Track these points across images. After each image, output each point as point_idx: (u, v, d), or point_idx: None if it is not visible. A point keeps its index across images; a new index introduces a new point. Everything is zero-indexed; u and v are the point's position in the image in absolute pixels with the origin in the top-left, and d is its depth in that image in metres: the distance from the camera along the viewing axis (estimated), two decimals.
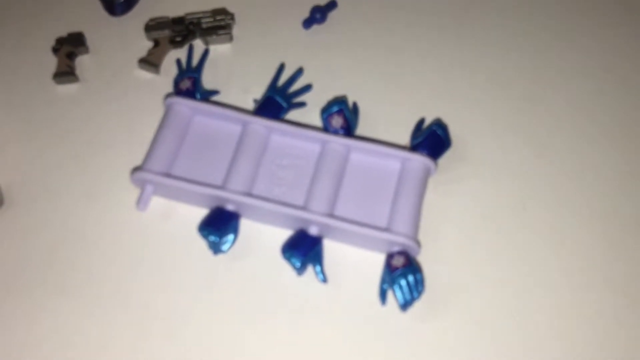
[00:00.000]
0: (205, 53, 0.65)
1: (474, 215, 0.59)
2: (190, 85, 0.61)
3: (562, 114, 0.64)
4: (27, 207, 0.58)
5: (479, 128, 0.63)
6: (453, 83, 0.65)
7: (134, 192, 0.58)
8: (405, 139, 0.62)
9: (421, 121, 0.62)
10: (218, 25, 0.66)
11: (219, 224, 0.55)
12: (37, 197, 0.59)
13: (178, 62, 0.64)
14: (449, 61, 0.67)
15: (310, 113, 0.62)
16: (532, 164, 0.61)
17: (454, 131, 0.61)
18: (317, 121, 0.62)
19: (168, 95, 0.62)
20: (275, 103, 0.61)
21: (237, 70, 0.65)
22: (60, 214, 0.58)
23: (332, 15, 0.68)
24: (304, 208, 0.56)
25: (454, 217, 0.59)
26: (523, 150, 0.62)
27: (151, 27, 0.66)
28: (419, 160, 0.57)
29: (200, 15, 0.66)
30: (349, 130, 0.60)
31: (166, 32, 0.65)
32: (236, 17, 0.67)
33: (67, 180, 0.59)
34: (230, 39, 0.66)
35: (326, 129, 0.59)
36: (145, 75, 0.65)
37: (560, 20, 0.69)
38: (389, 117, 0.63)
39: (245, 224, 0.57)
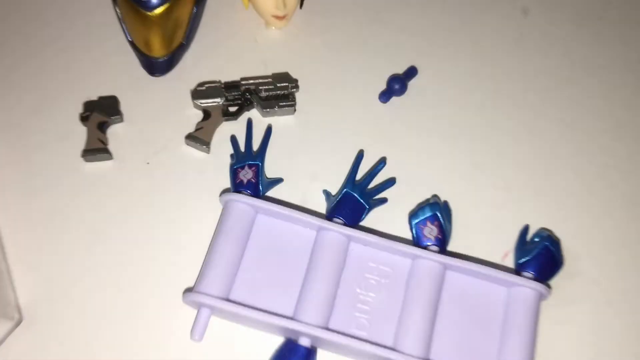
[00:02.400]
0: (269, 132, 0.54)
1: (590, 346, 0.49)
2: (252, 176, 0.50)
3: None
4: (50, 324, 0.47)
5: (591, 240, 0.53)
6: (560, 180, 0.55)
7: (184, 310, 0.47)
8: (498, 250, 0.52)
9: (525, 230, 0.52)
10: (280, 94, 0.55)
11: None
12: (62, 313, 0.47)
13: (234, 142, 0.53)
14: (562, 153, 0.56)
15: (389, 210, 0.52)
16: None
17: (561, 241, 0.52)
18: (393, 219, 0.51)
19: (225, 191, 0.51)
20: (355, 202, 0.50)
21: (301, 149, 0.54)
22: (90, 333, 0.47)
23: (413, 83, 0.58)
24: (394, 348, 0.46)
25: (570, 352, 0.49)
26: None
27: (200, 93, 0.54)
28: (532, 286, 0.47)
29: (259, 81, 0.55)
30: (444, 241, 0.49)
31: (218, 101, 0.54)
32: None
33: (99, 292, 0.48)
34: (294, 110, 0.55)
35: (417, 239, 0.49)
36: (193, 152, 0.53)
37: None
38: (481, 221, 0.53)
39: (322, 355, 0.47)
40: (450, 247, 0.51)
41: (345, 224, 0.49)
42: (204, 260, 0.47)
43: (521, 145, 0.56)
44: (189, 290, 0.47)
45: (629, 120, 0.58)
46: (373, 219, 0.51)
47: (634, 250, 0.53)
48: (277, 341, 0.46)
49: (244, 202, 0.48)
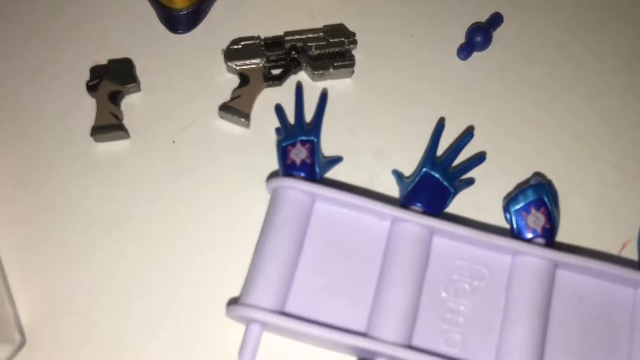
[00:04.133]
0: (324, 99, 0.43)
1: None
2: (307, 155, 0.40)
3: None
4: (58, 346, 0.37)
5: None
6: None
7: (228, 327, 0.37)
8: (614, 237, 0.41)
9: None
10: (334, 51, 0.44)
11: None
12: (71, 332, 0.37)
13: (280, 112, 0.42)
14: None
15: (476, 192, 0.42)
16: None
17: None
18: (483, 205, 0.41)
19: (273, 175, 0.41)
20: (436, 184, 0.39)
21: (362, 120, 0.43)
22: (105, 356, 0.37)
23: (498, 34, 0.47)
24: None
25: None
26: None
27: (235, 53, 0.44)
28: None
29: (308, 36, 0.45)
30: (552, 232, 0.39)
31: (258, 62, 0.44)
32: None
33: (114, 306, 0.38)
34: (352, 72, 0.45)
35: (519, 229, 0.39)
36: (229, 127, 0.43)
37: None
38: (591, 205, 0.42)
39: None
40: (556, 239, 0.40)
41: (425, 213, 0.39)
42: (251, 264, 0.37)
43: (635, 109, 0.45)
44: (234, 301, 0.37)
45: None
46: (458, 205, 0.41)
47: None
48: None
49: (298, 188, 0.38)
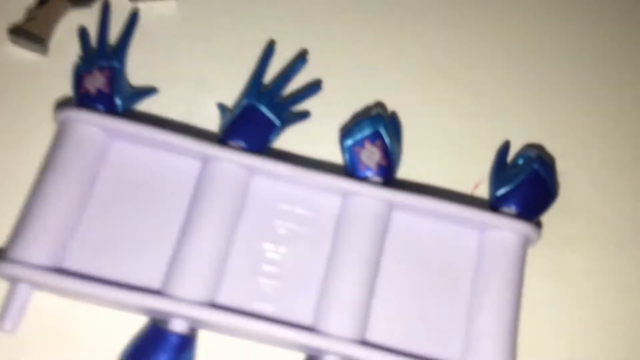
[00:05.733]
0: (133, 20, 0.37)
1: (591, 307, 0.35)
2: (104, 82, 0.33)
3: None
4: None
5: (588, 158, 0.39)
6: (553, 78, 0.40)
7: None
8: (468, 177, 0.37)
9: (505, 148, 0.37)
10: None
11: (156, 359, 0.30)
12: None
13: (84, 37, 0.36)
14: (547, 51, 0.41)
15: (315, 128, 0.37)
16: None
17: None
18: (329, 147, 0.36)
19: (61, 104, 0.35)
20: (260, 117, 0.34)
21: (185, 47, 0.37)
22: None
23: None
24: (313, 328, 0.31)
25: (562, 314, 0.35)
26: None
27: None
28: (514, 227, 0.33)
29: None
30: (389, 169, 0.34)
31: None
32: None
33: None
34: None
35: (352, 167, 0.34)
36: (24, 55, 0.36)
37: None
38: (443, 139, 0.37)
39: (206, 338, 0.32)
40: (399, 177, 0.36)
41: (245, 150, 0.33)
42: (23, 209, 0.31)
43: (498, 33, 0.41)
44: None
45: None
46: (288, 141, 0.36)
47: None
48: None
49: (87, 120, 0.32)
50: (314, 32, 0.38)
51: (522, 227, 0.33)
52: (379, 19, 0.39)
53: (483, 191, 0.36)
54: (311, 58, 0.37)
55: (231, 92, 0.36)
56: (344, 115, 0.36)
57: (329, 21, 0.39)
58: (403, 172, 0.36)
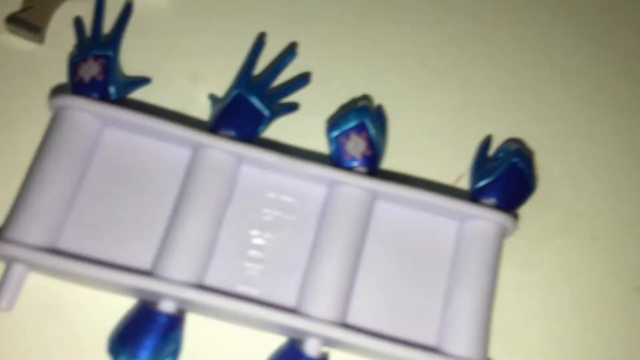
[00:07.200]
0: (127, 11, 0.38)
1: (566, 297, 0.37)
2: (98, 71, 0.35)
3: None
4: None
5: (567, 153, 0.40)
6: (537, 75, 0.41)
7: None
8: (451, 169, 0.38)
9: (487, 142, 0.38)
10: None
11: (145, 338, 0.31)
12: None
13: (78, 25, 0.37)
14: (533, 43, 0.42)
15: (302, 120, 0.38)
16: None
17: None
18: (317, 138, 0.37)
19: (57, 91, 0.36)
20: (249, 108, 0.35)
21: (181, 38, 0.38)
22: None
23: None
24: (297, 310, 0.32)
25: (537, 303, 0.37)
26: None
27: None
28: (491, 217, 0.34)
29: None
30: (374, 160, 0.36)
31: None
32: None
33: None
34: None
35: (337, 157, 0.35)
36: (19, 44, 0.37)
37: None
38: (429, 132, 0.39)
39: (194, 321, 0.34)
40: (387, 168, 0.37)
41: (235, 138, 0.34)
42: (19, 192, 0.32)
43: (484, 30, 0.42)
44: None
45: None
46: (278, 132, 0.37)
47: (629, 168, 0.40)
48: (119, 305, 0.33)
49: (82, 108, 0.33)
50: (304, 26, 0.39)
51: (499, 218, 0.34)
52: (367, 15, 0.40)
53: (466, 184, 0.37)
54: (301, 51, 0.38)
55: (225, 84, 0.37)
56: (332, 107, 0.38)
57: (319, 16, 0.40)
58: (388, 163, 0.37)
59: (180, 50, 0.38)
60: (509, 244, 0.36)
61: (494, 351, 0.34)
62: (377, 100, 0.38)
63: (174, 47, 0.38)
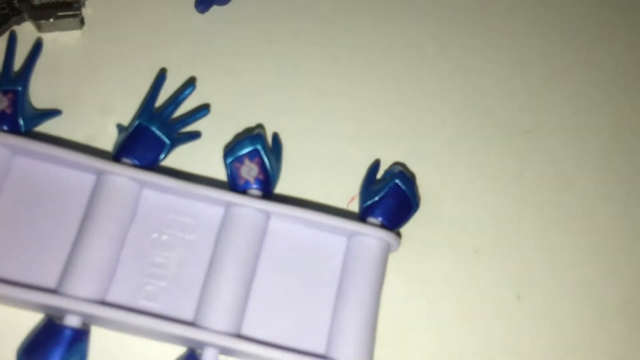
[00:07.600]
0: (37, 49, 0.40)
1: (450, 306, 0.40)
2: (7, 104, 0.37)
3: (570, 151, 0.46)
4: None
5: (451, 175, 0.44)
6: (422, 106, 0.45)
7: None
8: (345, 192, 0.42)
9: (376, 165, 0.42)
10: (61, 1, 0.42)
11: (51, 351, 0.33)
12: None
13: None
14: (412, 73, 0.46)
15: (204, 147, 0.41)
16: (533, 228, 0.43)
17: (419, 180, 0.42)
18: (216, 164, 0.40)
19: None
20: (151, 136, 0.38)
21: (90, 74, 0.41)
22: None
23: None
24: (194, 323, 0.35)
25: (424, 312, 0.40)
26: (519, 206, 0.44)
27: None
28: (377, 234, 0.37)
29: None
30: (267, 183, 0.39)
31: None
32: None
33: None
34: (81, 23, 0.42)
35: (232, 181, 0.38)
36: None
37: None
38: (324, 158, 0.42)
39: (99, 335, 0.36)
40: (284, 191, 0.40)
41: (137, 166, 0.37)
42: None
43: (374, 65, 0.46)
44: None
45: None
46: (183, 160, 0.40)
47: (509, 186, 0.44)
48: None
49: None
50: (203, 60, 0.43)
51: (382, 235, 0.37)
52: (266, 50, 0.44)
53: (356, 206, 0.41)
54: (202, 84, 0.41)
55: (132, 116, 0.40)
56: (231, 136, 0.41)
57: (216, 51, 0.43)
58: (284, 187, 0.40)
59: (89, 85, 0.41)
60: (398, 257, 0.39)
61: (382, 358, 0.37)
62: (274, 128, 0.41)
63: (84, 82, 0.41)
